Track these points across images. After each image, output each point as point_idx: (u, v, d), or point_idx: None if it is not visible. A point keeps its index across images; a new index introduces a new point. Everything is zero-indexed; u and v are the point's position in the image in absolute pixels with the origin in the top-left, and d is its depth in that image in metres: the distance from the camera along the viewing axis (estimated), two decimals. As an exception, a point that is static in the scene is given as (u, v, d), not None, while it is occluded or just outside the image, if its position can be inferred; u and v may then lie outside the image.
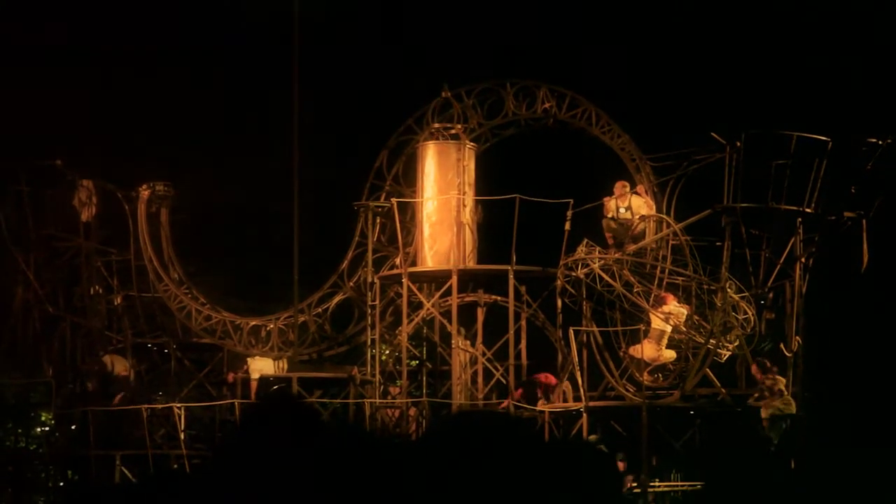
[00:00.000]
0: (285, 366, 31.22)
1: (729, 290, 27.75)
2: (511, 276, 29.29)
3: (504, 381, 29.61)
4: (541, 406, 28.89)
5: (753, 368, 27.38)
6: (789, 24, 37.66)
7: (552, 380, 28.84)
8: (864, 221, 28.10)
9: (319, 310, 31.85)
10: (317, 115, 34.77)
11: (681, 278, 28.36)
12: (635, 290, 28.23)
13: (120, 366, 30.75)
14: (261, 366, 30.97)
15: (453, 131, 30.57)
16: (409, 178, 31.20)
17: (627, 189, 29.50)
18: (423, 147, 30.58)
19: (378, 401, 30.09)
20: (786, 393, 27.20)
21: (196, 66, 40.27)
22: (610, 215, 29.32)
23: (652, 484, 27.56)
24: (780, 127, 27.97)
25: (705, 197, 28.45)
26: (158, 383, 32.77)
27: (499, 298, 29.79)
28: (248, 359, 31.20)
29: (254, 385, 30.56)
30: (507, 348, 29.53)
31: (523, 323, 29.80)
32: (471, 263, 29.95)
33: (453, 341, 29.74)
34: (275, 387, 30.51)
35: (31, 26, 40.19)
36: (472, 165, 30.47)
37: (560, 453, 11.22)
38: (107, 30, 40.14)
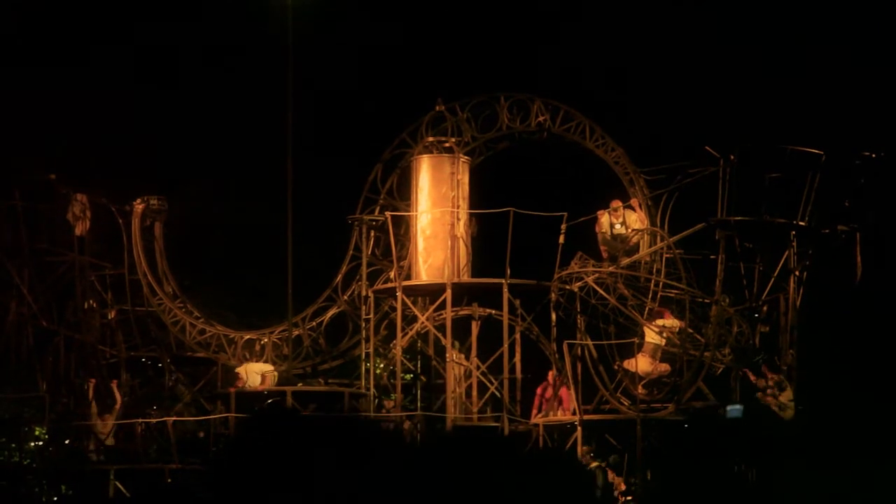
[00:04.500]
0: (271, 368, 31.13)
1: (723, 303, 27.78)
2: (505, 290, 29.27)
3: (498, 395, 29.58)
4: (535, 419, 28.90)
5: (751, 377, 27.54)
6: (783, 38, 37.74)
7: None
8: (857, 234, 28.15)
9: (314, 323, 31.84)
10: (311, 128, 34.80)
11: (674, 291, 28.38)
12: (629, 303, 28.25)
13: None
14: (258, 369, 30.88)
15: (447, 145, 30.60)
16: (403, 192, 31.22)
17: (621, 206, 29.55)
18: (417, 160, 30.59)
19: (373, 414, 30.05)
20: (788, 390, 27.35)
21: (191, 80, 40.31)
22: (603, 231, 29.36)
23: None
24: (773, 140, 28.02)
25: (699, 210, 28.48)
26: (153, 397, 32.70)
27: (493, 312, 29.77)
28: (239, 369, 31.03)
29: (266, 379, 30.40)
30: (501, 362, 29.50)
31: (518, 336, 29.76)
32: (465, 277, 29.94)
33: (447, 355, 29.71)
34: (269, 400, 30.48)
35: (27, 39, 40.23)
36: (466, 179, 30.48)
37: (534, 464, 11.26)
38: (103, 42, 40.18)
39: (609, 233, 29.32)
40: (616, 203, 29.56)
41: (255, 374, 30.70)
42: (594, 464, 27.68)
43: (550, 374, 29.21)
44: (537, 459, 11.63)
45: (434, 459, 11.16)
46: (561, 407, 28.77)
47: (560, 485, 11.21)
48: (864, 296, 29.21)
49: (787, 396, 27.45)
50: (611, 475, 28.26)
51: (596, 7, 38.90)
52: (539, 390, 29.26)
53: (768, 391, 27.32)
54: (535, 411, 29.11)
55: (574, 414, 28.01)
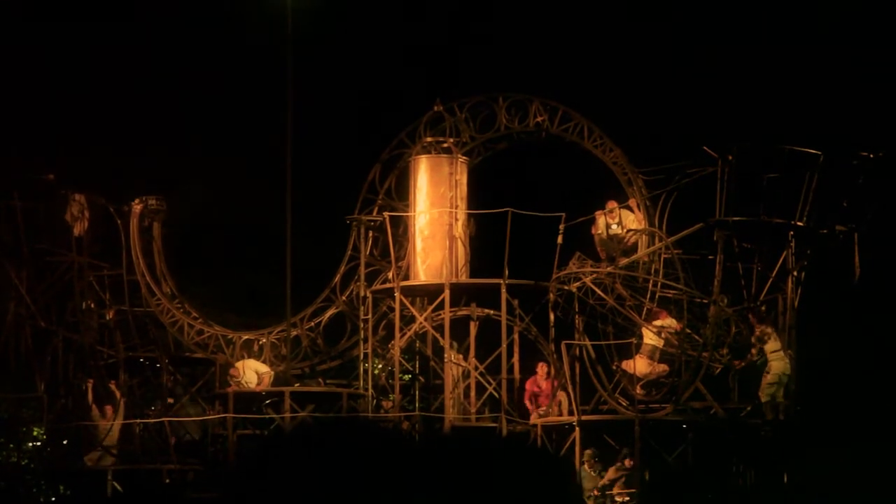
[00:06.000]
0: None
1: (721, 303, 27.78)
2: (503, 290, 29.26)
3: (497, 396, 29.56)
4: (534, 419, 28.90)
5: (751, 317, 27.63)
6: (782, 37, 37.72)
7: None
8: (855, 235, 28.14)
9: (312, 324, 31.84)
10: (310, 128, 34.78)
11: (672, 292, 28.37)
12: (627, 303, 28.24)
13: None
14: (255, 367, 30.86)
15: (446, 145, 30.59)
16: (401, 192, 31.22)
17: (617, 207, 29.53)
18: (415, 161, 30.59)
19: (371, 415, 30.03)
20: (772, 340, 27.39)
21: (189, 79, 40.28)
22: (599, 231, 29.35)
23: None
24: (772, 140, 28.01)
25: (698, 211, 28.47)
26: (152, 398, 32.66)
27: (491, 312, 29.75)
28: (237, 364, 30.99)
29: (263, 379, 30.34)
30: (499, 362, 29.49)
31: (516, 337, 29.75)
32: (463, 277, 29.93)
33: (446, 355, 29.70)
34: (267, 401, 30.47)
35: (27, 39, 40.22)
36: (464, 179, 30.48)
37: (518, 462, 11.26)
38: (101, 41, 40.16)
39: (605, 233, 29.31)
40: (611, 204, 29.55)
41: (252, 371, 30.67)
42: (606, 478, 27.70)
43: (540, 368, 29.24)
44: (529, 460, 11.61)
45: (432, 460, 11.15)
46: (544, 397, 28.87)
47: (550, 484, 11.20)
48: (862, 296, 29.21)
49: (771, 347, 27.44)
50: (613, 472, 28.24)
51: (594, 6, 38.88)
52: (528, 385, 29.30)
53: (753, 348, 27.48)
54: (528, 404, 29.10)
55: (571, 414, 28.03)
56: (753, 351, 27.61)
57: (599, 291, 28.24)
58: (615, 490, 27.65)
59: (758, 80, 37.28)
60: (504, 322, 29.35)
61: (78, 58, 39.82)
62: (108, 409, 30.14)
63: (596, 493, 27.52)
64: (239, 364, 30.91)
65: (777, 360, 27.43)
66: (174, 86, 40.04)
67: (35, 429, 32.18)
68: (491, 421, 29.59)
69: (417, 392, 31.09)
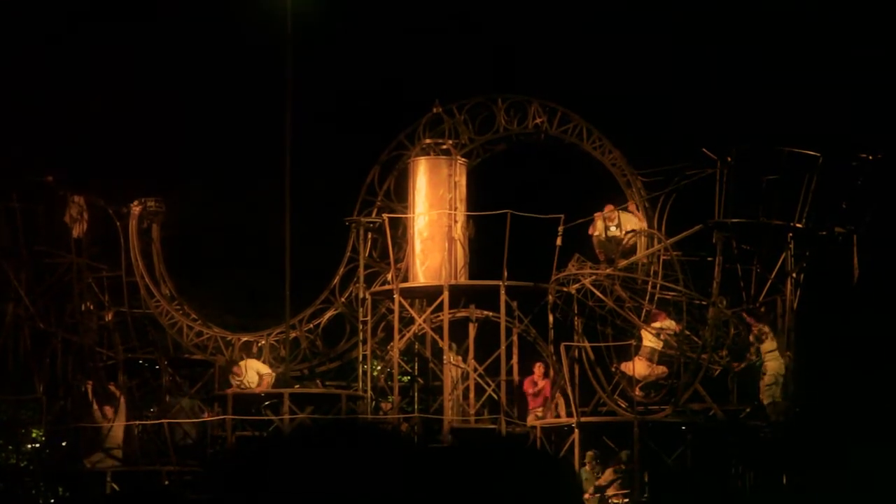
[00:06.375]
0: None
1: (720, 304, 27.77)
2: (502, 292, 29.24)
3: (496, 397, 29.55)
4: (531, 421, 28.90)
5: (745, 315, 27.63)
6: (781, 38, 37.71)
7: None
8: (854, 236, 28.13)
9: (311, 325, 31.82)
10: (309, 129, 34.79)
11: (671, 293, 28.35)
12: (626, 305, 28.22)
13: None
14: (257, 367, 30.87)
15: (445, 147, 30.57)
16: (400, 194, 31.19)
17: (614, 210, 29.51)
18: (414, 162, 30.57)
19: (370, 416, 30.01)
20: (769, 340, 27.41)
21: (188, 81, 40.29)
22: (597, 234, 29.34)
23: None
24: (771, 142, 28.00)
25: (696, 212, 28.46)
26: (151, 399, 32.66)
27: (490, 314, 29.74)
28: (241, 363, 30.99)
29: (263, 380, 30.33)
30: (498, 364, 29.47)
31: (515, 338, 29.74)
32: (462, 279, 29.91)
33: (445, 357, 29.68)
34: (266, 403, 30.47)
35: (26, 39, 40.24)
36: (463, 181, 30.45)
37: (516, 464, 11.23)
38: (101, 41, 40.18)
39: (604, 235, 29.30)
40: (609, 207, 29.54)
41: (253, 370, 30.67)
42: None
43: (537, 368, 29.26)
44: (528, 461, 11.57)
45: (431, 461, 11.11)
46: (543, 398, 28.87)
47: (550, 485, 11.16)
48: (861, 297, 29.18)
49: (767, 347, 27.45)
50: (611, 474, 28.24)
51: (590, 8, 38.88)
52: (526, 386, 29.29)
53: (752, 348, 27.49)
54: (529, 392, 29.14)
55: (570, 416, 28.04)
56: (752, 350, 27.61)
57: (598, 293, 28.23)
58: (611, 491, 27.66)
59: (758, 81, 37.26)
60: (503, 324, 29.33)
61: (78, 58, 39.84)
62: (108, 410, 30.15)
63: (590, 494, 27.52)
64: (241, 363, 30.91)
65: (772, 359, 27.45)
66: (174, 85, 40.05)
67: (34, 430, 32.19)
68: (490, 422, 29.57)
69: (416, 394, 31.09)
